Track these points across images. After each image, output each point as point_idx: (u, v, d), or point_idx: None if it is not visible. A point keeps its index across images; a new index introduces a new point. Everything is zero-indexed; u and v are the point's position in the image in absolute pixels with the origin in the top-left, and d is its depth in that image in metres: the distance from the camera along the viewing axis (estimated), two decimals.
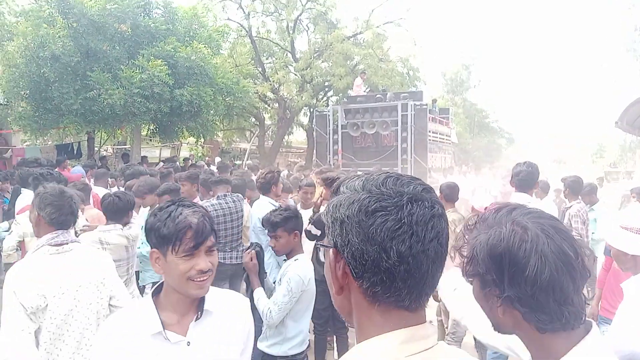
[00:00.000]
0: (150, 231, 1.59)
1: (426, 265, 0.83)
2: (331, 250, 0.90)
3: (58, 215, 2.46)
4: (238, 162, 19.97)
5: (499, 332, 1.19)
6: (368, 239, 0.82)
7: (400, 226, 0.81)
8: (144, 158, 13.05)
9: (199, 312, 1.62)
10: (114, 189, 6.42)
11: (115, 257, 3.41)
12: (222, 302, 1.71)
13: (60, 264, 2.43)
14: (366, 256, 0.82)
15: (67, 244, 2.48)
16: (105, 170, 7.80)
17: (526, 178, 4.24)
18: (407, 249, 0.81)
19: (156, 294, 1.64)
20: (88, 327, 2.50)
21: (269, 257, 4.97)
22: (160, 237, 1.55)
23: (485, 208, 4.61)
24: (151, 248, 1.61)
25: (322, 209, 4.27)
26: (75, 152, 15.50)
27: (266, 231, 4.95)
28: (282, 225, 2.96)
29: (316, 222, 4.09)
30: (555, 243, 1.07)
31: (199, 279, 1.56)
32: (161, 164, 13.71)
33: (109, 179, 7.30)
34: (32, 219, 2.54)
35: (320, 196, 4.54)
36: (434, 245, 0.83)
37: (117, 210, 3.72)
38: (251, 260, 2.96)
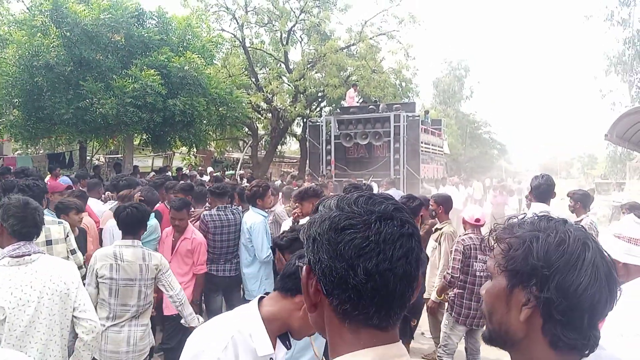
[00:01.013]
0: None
1: (393, 284, 0.83)
2: (304, 267, 0.91)
3: (20, 227, 2.46)
4: (231, 172, 19.94)
5: (496, 340, 1.16)
6: (336, 256, 0.83)
7: (368, 244, 0.82)
8: (135, 168, 13.00)
9: (288, 342, 1.66)
10: (109, 204, 6.34)
11: (124, 275, 3.38)
12: None
13: (20, 276, 2.40)
14: (335, 273, 0.83)
15: (30, 255, 2.45)
16: (98, 180, 7.73)
17: (546, 190, 4.58)
18: (373, 266, 0.81)
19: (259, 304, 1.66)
20: (52, 338, 2.48)
21: (258, 269, 4.98)
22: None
23: (476, 219, 4.68)
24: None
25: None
26: (67, 161, 15.44)
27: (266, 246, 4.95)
28: (287, 248, 2.82)
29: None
30: (606, 263, 1.06)
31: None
32: (153, 173, 13.67)
33: (105, 192, 7.22)
34: None
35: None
36: (402, 263, 0.83)
37: (134, 223, 3.48)
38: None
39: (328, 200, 0.93)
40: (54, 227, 3.96)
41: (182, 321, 3.70)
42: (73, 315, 2.60)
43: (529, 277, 1.06)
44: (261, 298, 1.69)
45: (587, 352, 1.06)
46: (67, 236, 4.06)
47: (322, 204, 0.93)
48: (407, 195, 5.36)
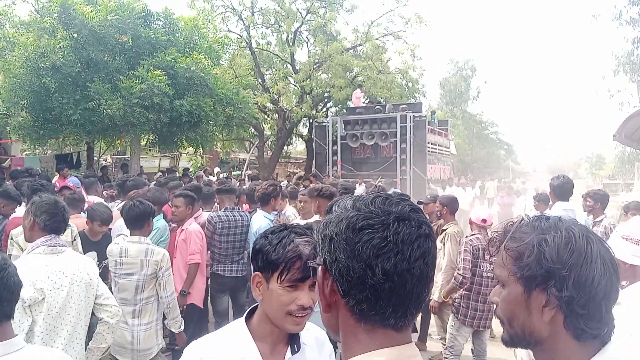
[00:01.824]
0: (257, 253, 1.55)
1: (411, 284, 0.83)
2: (320, 267, 0.91)
3: (52, 222, 2.73)
4: (237, 172, 19.98)
5: (519, 343, 1.19)
6: (354, 256, 0.83)
7: (386, 244, 0.82)
8: (140, 169, 13.05)
9: (295, 345, 1.57)
10: (115, 204, 6.35)
11: (125, 270, 3.52)
12: (308, 333, 1.65)
13: (54, 263, 2.66)
14: (352, 273, 0.83)
15: (60, 246, 2.73)
16: (94, 179, 7.79)
17: (570, 189, 4.86)
18: (392, 266, 0.82)
19: (248, 318, 1.57)
20: (79, 321, 2.71)
21: None
22: (267, 261, 1.50)
23: (482, 220, 4.66)
24: (254, 271, 1.55)
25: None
26: (74, 162, 15.49)
27: None
28: None
29: None
30: (608, 251, 1.12)
31: (298, 315, 1.49)
32: (159, 174, 13.72)
33: (109, 190, 7.24)
34: (25, 224, 2.80)
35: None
36: (420, 264, 0.84)
37: (137, 217, 3.58)
38: None
39: (343, 200, 0.93)
40: None
41: (166, 322, 3.75)
42: (96, 303, 2.84)
43: (545, 279, 1.09)
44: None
45: (609, 334, 1.11)
46: (74, 240, 4.14)
47: (337, 204, 0.93)
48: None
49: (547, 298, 1.09)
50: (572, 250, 1.08)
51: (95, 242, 4.41)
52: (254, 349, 1.49)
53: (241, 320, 1.57)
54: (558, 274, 1.08)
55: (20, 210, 4.96)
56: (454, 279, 4.56)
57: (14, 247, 3.97)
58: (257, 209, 5.30)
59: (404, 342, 0.87)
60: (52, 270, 2.61)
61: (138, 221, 3.59)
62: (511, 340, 1.20)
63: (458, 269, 4.55)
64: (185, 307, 4.62)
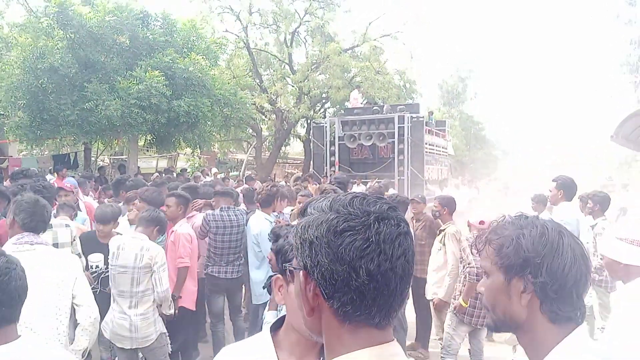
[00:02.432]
0: (277, 254, 1.51)
1: (394, 283, 0.84)
2: (301, 272, 0.90)
3: (29, 221, 2.76)
4: (235, 173, 19.97)
5: (502, 327, 1.34)
6: (337, 259, 0.83)
7: (369, 245, 0.82)
8: (137, 169, 13.03)
9: (322, 358, 1.44)
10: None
11: (120, 262, 3.73)
12: None
13: (21, 260, 2.57)
14: (336, 276, 0.83)
15: (32, 244, 2.72)
16: (83, 179, 7.82)
17: (575, 190, 4.94)
18: (375, 267, 0.82)
19: (275, 329, 1.46)
20: (45, 320, 2.65)
21: (266, 274, 4.95)
22: (287, 262, 1.43)
23: (480, 222, 4.66)
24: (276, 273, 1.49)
25: None
26: (71, 162, 15.46)
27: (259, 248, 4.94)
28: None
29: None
30: (579, 245, 1.28)
31: None
32: (156, 174, 13.70)
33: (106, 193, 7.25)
34: (7, 222, 2.85)
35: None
36: (402, 262, 0.85)
37: (149, 222, 3.89)
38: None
39: (318, 202, 0.92)
40: (61, 230, 4.06)
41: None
42: (73, 303, 2.79)
43: (522, 268, 1.25)
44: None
45: (582, 318, 1.26)
46: (74, 240, 4.14)
47: (312, 206, 0.92)
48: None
49: (524, 284, 1.25)
50: (546, 242, 1.24)
51: (102, 244, 4.41)
52: (271, 356, 1.39)
53: (267, 329, 1.49)
54: (533, 262, 1.23)
55: None
56: (468, 274, 4.53)
57: None
58: (256, 210, 5.27)
59: (385, 341, 0.87)
60: None
61: (148, 225, 3.88)
62: (495, 325, 1.34)
63: (469, 264, 4.54)
64: (177, 310, 4.62)
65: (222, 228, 5.02)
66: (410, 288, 1.34)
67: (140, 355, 3.97)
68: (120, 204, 5.90)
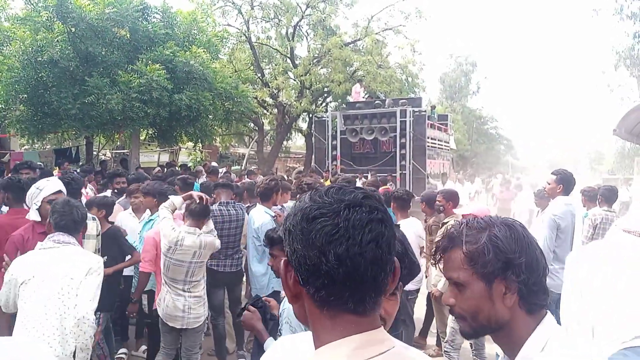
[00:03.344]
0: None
1: (364, 267, 0.86)
2: (283, 260, 0.95)
3: (60, 221, 2.98)
4: (236, 167, 19.95)
5: (483, 333, 1.32)
6: (309, 245, 0.87)
7: (337, 230, 0.85)
8: (138, 164, 13.00)
9: None
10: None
11: (178, 257, 3.89)
12: None
13: (46, 256, 2.87)
14: (308, 261, 0.87)
15: (58, 242, 2.91)
16: (83, 173, 7.89)
17: (574, 183, 4.88)
18: (344, 251, 0.85)
19: None
20: (50, 313, 2.75)
21: (266, 267, 4.95)
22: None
23: (463, 215, 4.62)
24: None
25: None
26: (73, 156, 15.47)
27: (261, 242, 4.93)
28: (279, 243, 2.63)
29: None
30: (532, 235, 1.32)
31: None
32: (158, 168, 13.69)
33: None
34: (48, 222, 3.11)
35: None
36: (372, 247, 0.86)
37: (199, 214, 4.04)
38: (250, 320, 2.53)
39: (304, 195, 0.96)
40: (90, 222, 4.16)
41: None
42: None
43: (503, 269, 1.24)
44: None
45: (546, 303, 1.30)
46: (98, 234, 4.24)
47: (299, 200, 0.97)
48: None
49: (506, 285, 1.25)
50: (516, 239, 1.26)
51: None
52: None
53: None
54: (514, 263, 1.24)
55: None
56: None
57: None
58: (257, 203, 5.25)
59: (371, 327, 0.89)
60: (36, 262, 2.84)
61: (199, 218, 4.07)
62: (474, 333, 1.33)
63: None
64: (135, 314, 4.67)
65: (221, 223, 4.99)
66: None
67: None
68: (123, 197, 5.95)
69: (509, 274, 1.24)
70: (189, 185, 6.08)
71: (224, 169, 15.41)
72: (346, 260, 0.85)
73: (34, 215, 3.60)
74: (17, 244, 3.43)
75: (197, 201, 4.00)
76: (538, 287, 1.26)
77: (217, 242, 4.13)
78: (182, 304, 3.89)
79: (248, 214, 5.24)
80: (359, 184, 10.04)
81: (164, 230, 3.91)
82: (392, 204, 5.30)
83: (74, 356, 2.75)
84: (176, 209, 4.16)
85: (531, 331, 1.27)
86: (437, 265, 1.39)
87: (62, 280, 2.79)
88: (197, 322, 3.99)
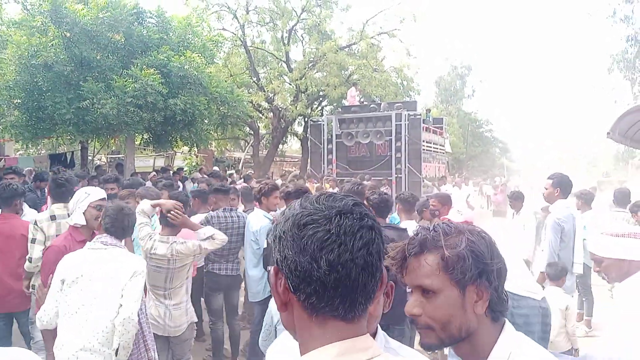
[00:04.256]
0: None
1: (355, 274, 0.86)
2: (272, 268, 0.94)
3: (110, 226, 3.15)
4: (232, 171, 19.91)
5: (451, 343, 1.26)
6: (300, 251, 0.87)
7: (329, 237, 0.86)
8: (134, 173, 12.95)
9: None
10: None
11: (156, 264, 3.82)
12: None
13: (93, 256, 3.02)
14: (300, 267, 0.87)
15: (105, 244, 3.07)
16: (76, 178, 7.87)
17: (571, 186, 4.90)
18: (336, 257, 0.85)
19: None
20: (92, 312, 2.85)
21: (263, 272, 4.96)
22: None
23: (465, 222, 4.63)
24: None
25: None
26: (68, 161, 15.42)
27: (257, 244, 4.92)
28: None
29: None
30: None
31: None
32: (153, 173, 13.66)
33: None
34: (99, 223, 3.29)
35: None
36: (363, 254, 0.87)
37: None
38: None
39: (294, 202, 0.97)
40: None
41: None
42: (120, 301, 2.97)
43: (478, 276, 1.22)
44: None
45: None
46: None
47: (288, 207, 0.97)
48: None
49: (478, 292, 1.23)
50: (487, 245, 1.25)
51: None
52: None
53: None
54: (488, 269, 1.23)
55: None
56: None
57: (38, 232, 4.07)
58: (255, 207, 5.30)
59: (357, 335, 0.89)
60: (85, 261, 2.98)
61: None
62: (440, 344, 1.26)
63: None
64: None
65: (225, 230, 4.99)
66: None
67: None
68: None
69: (483, 281, 1.22)
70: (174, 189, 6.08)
71: (216, 168, 15.36)
72: (338, 267, 0.85)
73: (77, 219, 3.62)
74: (58, 256, 3.35)
75: (166, 215, 3.79)
76: (504, 294, 1.26)
77: (191, 244, 3.81)
78: (162, 311, 3.84)
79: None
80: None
81: (140, 238, 3.83)
82: (397, 206, 5.35)
83: (116, 354, 2.82)
84: (150, 214, 4.06)
85: (494, 340, 1.25)
86: (399, 273, 1.31)
87: (110, 280, 2.91)
88: (179, 330, 3.92)
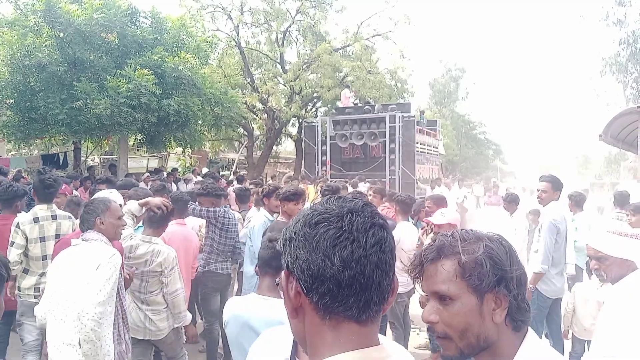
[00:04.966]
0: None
1: (370, 271, 0.85)
2: (283, 272, 0.93)
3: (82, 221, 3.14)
4: (226, 172, 19.89)
5: (470, 354, 1.23)
6: (313, 249, 0.86)
7: (342, 233, 0.86)
8: (128, 174, 12.90)
9: None
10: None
11: (134, 264, 3.77)
12: None
13: (67, 253, 2.96)
14: (312, 266, 0.85)
15: (86, 240, 3.00)
16: (68, 179, 7.86)
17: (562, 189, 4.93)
18: (349, 254, 0.84)
19: None
20: (67, 309, 2.78)
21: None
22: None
23: (437, 225, 4.53)
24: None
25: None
26: (61, 162, 15.34)
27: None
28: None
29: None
30: None
31: None
32: (147, 174, 13.61)
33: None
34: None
35: None
36: (376, 251, 0.86)
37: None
38: None
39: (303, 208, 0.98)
40: (65, 222, 4.29)
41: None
42: None
43: (497, 283, 1.19)
44: None
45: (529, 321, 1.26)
46: (74, 232, 4.20)
47: (299, 213, 0.97)
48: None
49: (496, 300, 1.20)
50: (505, 252, 1.22)
51: None
52: (289, 343, 1.46)
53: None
54: (507, 276, 1.20)
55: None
56: None
57: (18, 236, 4.03)
58: (261, 208, 5.46)
59: (371, 343, 0.87)
60: (65, 257, 2.93)
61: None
62: (460, 354, 1.23)
63: None
64: None
65: (227, 225, 5.16)
66: None
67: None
68: None
69: (501, 288, 1.19)
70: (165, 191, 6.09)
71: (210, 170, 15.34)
72: (352, 263, 0.84)
73: None
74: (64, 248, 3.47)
75: (156, 211, 3.82)
76: (524, 303, 1.22)
77: (172, 255, 3.82)
78: (142, 316, 3.80)
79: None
80: (363, 188, 9.84)
81: (122, 238, 3.77)
82: (394, 207, 5.44)
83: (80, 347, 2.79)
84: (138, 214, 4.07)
85: (515, 350, 1.22)
86: (416, 279, 1.29)
87: (77, 274, 2.84)
88: (161, 334, 3.85)
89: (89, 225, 3.07)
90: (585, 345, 4.49)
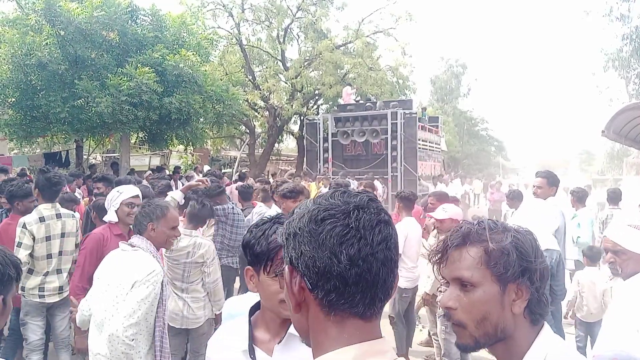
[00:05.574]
0: (245, 248, 1.60)
1: (376, 268, 0.85)
2: (286, 267, 0.91)
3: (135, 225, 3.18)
4: (228, 170, 19.89)
5: (487, 343, 1.23)
6: (319, 246, 0.85)
7: (349, 231, 0.84)
8: (131, 171, 12.90)
9: (284, 335, 1.56)
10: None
11: (176, 256, 3.97)
12: None
13: (112, 258, 2.97)
14: (318, 263, 0.84)
15: (132, 247, 2.94)
16: (70, 177, 7.89)
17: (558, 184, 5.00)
18: (356, 252, 0.84)
19: (253, 311, 1.63)
20: (104, 320, 2.76)
21: None
22: (254, 255, 1.55)
23: (439, 220, 4.54)
24: (247, 265, 1.62)
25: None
26: (63, 160, 15.36)
27: None
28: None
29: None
30: None
31: None
32: (149, 172, 13.62)
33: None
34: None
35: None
36: (382, 248, 0.86)
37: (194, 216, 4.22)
38: None
39: (304, 202, 0.96)
40: (69, 220, 4.30)
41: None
42: None
43: (521, 274, 1.19)
44: None
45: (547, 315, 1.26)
46: (77, 230, 4.32)
47: (299, 207, 0.96)
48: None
49: (518, 291, 1.20)
50: (532, 245, 1.22)
51: None
52: (246, 335, 1.55)
53: (248, 309, 1.63)
54: (531, 268, 1.19)
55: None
56: None
57: (25, 236, 4.02)
58: (272, 205, 5.61)
59: (374, 336, 0.87)
60: (108, 263, 2.94)
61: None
62: (475, 343, 1.23)
63: None
64: None
65: (237, 221, 5.42)
66: None
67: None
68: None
69: (525, 280, 1.19)
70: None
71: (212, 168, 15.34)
72: (359, 261, 0.84)
73: (110, 216, 3.71)
74: (98, 242, 3.57)
75: (201, 185, 4.25)
76: (544, 297, 1.22)
77: (212, 247, 4.13)
78: (181, 304, 3.96)
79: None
80: (353, 185, 10.05)
81: None
82: (397, 204, 5.43)
83: None
84: (178, 204, 4.32)
85: (530, 343, 1.22)
86: (438, 265, 1.29)
87: (115, 288, 2.76)
88: (197, 322, 4.00)
89: (140, 229, 2.95)
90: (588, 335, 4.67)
